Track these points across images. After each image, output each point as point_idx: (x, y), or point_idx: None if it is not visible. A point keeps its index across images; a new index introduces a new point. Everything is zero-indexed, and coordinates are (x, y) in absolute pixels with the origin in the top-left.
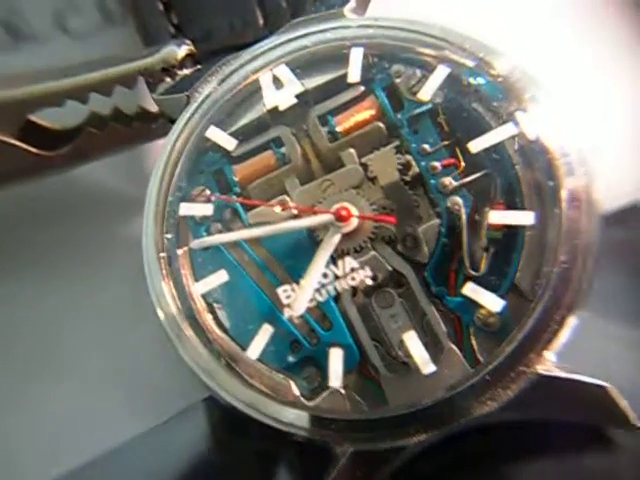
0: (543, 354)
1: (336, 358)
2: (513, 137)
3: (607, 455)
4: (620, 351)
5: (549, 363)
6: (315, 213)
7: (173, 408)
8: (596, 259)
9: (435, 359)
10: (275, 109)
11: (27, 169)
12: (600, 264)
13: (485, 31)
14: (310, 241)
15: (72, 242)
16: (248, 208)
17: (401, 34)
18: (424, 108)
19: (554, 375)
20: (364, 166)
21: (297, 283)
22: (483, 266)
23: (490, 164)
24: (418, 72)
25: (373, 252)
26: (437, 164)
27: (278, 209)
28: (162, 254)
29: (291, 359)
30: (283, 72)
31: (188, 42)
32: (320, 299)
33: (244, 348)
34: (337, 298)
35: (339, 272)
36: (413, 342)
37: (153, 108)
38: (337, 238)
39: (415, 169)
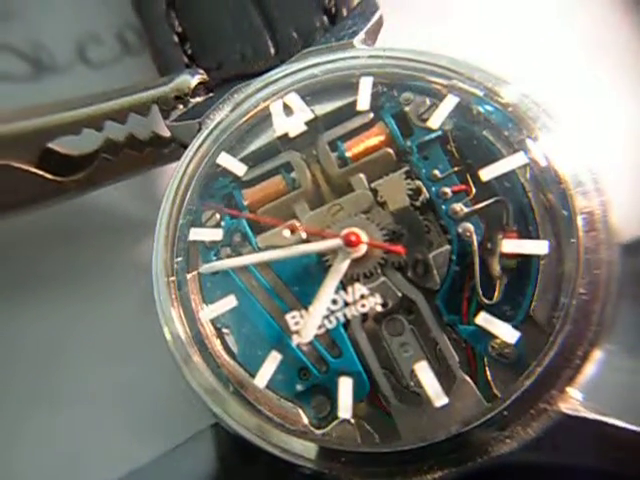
0: (566, 391)
1: (346, 388)
2: (524, 166)
3: None
4: None
5: (574, 402)
6: (324, 237)
7: (181, 435)
8: (619, 290)
9: (447, 391)
10: (285, 135)
11: (44, 195)
12: (623, 295)
13: (492, 60)
14: (319, 266)
15: (82, 265)
16: (257, 232)
17: (410, 64)
18: (434, 135)
19: (581, 416)
20: (374, 191)
21: (306, 309)
22: (497, 295)
23: (502, 192)
24: (427, 100)
25: (383, 278)
26: (448, 190)
27: (287, 232)
28: (172, 278)
29: (300, 387)
30: (293, 100)
31: (201, 71)
32: (329, 326)
33: (252, 375)
34: (347, 325)
35: (349, 298)
36: (425, 373)
37: (166, 133)
38: (346, 264)
39: (425, 194)
